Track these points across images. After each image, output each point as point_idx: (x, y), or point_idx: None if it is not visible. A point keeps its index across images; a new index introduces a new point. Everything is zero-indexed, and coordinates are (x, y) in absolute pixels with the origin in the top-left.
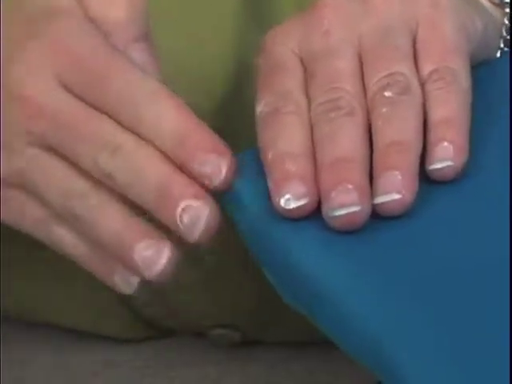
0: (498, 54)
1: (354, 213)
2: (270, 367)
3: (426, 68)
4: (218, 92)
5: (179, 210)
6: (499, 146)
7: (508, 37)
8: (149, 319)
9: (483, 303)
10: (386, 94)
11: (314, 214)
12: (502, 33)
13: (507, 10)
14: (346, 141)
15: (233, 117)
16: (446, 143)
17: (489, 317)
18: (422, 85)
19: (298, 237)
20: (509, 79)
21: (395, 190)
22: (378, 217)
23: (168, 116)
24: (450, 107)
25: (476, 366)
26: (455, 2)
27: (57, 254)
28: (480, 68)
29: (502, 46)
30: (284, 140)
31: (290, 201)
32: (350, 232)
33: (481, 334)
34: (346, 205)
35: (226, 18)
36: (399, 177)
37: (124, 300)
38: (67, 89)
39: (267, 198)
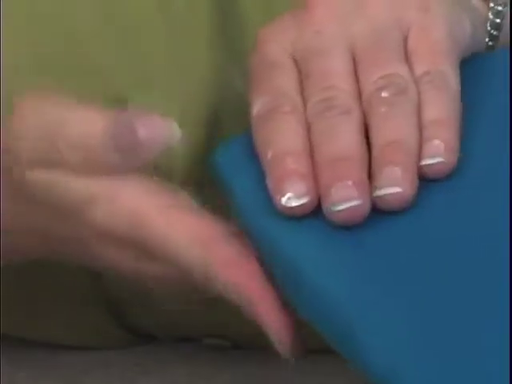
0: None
1: (355, 207)
2: (261, 366)
3: (417, 70)
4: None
5: None
6: (497, 140)
7: (493, 31)
8: (138, 330)
9: (464, 294)
10: (383, 94)
11: None
12: (486, 27)
13: (492, 5)
14: (342, 139)
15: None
16: (437, 141)
17: (467, 308)
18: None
19: (280, 221)
20: (508, 72)
21: (396, 184)
22: None
23: None
24: (441, 109)
25: (449, 352)
26: (445, 6)
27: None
28: (478, 60)
29: (487, 40)
30: (283, 139)
31: (291, 199)
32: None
33: (460, 326)
34: (346, 200)
35: (199, 54)
36: (399, 171)
37: (113, 314)
38: None
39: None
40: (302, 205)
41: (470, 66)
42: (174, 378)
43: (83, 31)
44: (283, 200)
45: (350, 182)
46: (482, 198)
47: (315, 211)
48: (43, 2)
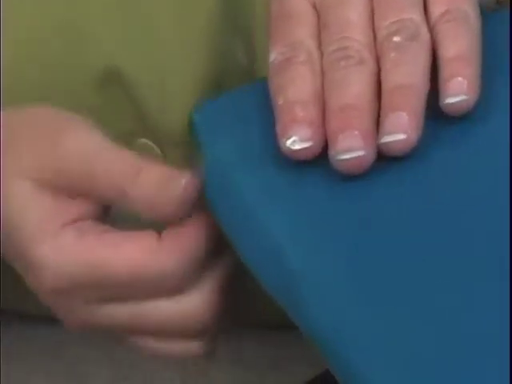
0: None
1: (359, 157)
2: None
3: (438, 10)
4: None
5: None
6: (504, 94)
7: None
8: None
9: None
10: (395, 39)
11: (272, 161)
12: None
13: None
14: (354, 88)
15: None
16: (460, 78)
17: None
18: (433, 26)
19: (253, 181)
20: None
21: (401, 131)
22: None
23: None
24: (462, 44)
25: (396, 311)
26: None
27: None
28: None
29: None
30: (294, 88)
31: (295, 142)
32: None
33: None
34: (350, 149)
35: (202, 25)
36: (405, 117)
37: None
38: None
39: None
40: (304, 148)
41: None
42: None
43: (83, 2)
44: (288, 142)
45: (356, 132)
46: (488, 159)
47: (293, 172)
48: None
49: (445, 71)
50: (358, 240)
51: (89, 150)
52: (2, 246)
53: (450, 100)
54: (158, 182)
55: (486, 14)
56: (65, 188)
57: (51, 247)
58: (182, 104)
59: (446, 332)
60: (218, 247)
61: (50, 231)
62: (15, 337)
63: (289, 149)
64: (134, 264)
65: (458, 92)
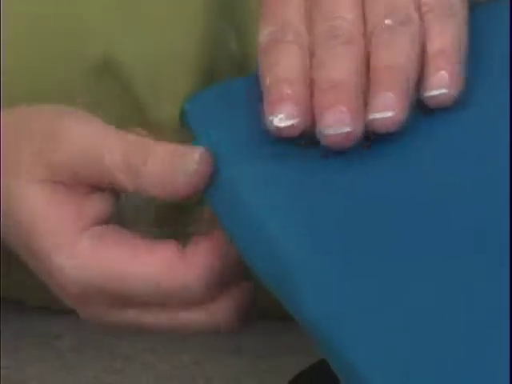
0: None
1: (346, 133)
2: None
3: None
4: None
5: None
6: (497, 83)
7: None
8: None
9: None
10: (387, 21)
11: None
12: None
13: None
14: (342, 66)
15: None
16: (442, 72)
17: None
18: (421, 16)
19: (246, 172)
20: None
21: (389, 108)
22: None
23: None
24: (446, 39)
25: (389, 303)
26: None
27: None
28: (478, 11)
29: None
30: (282, 67)
31: (281, 120)
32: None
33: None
34: (337, 124)
35: (196, 13)
36: (392, 96)
37: None
38: None
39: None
40: (290, 125)
41: (472, 14)
42: (147, 341)
43: None
44: (275, 120)
45: (343, 108)
46: (480, 145)
47: (285, 163)
48: None
49: (428, 65)
50: (353, 231)
51: (93, 136)
52: (24, 257)
53: (431, 93)
54: (171, 159)
55: (484, 3)
56: (76, 182)
57: (68, 256)
58: (174, 92)
59: (434, 318)
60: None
61: (66, 239)
62: (10, 328)
63: (275, 126)
64: (152, 278)
65: (439, 85)
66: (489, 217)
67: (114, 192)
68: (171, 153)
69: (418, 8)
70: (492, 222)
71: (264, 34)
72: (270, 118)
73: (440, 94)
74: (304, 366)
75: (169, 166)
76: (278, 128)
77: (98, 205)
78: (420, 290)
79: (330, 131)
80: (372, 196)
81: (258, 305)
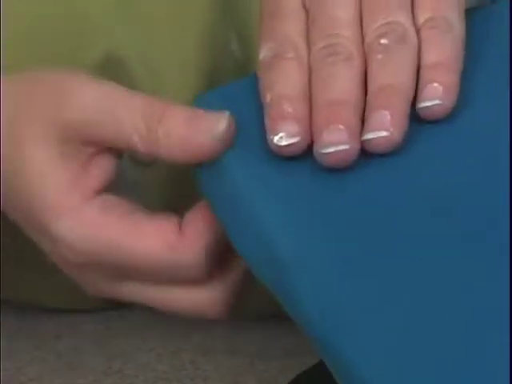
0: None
1: (343, 151)
2: (231, 328)
3: (422, 16)
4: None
5: None
6: (496, 92)
7: None
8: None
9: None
10: (383, 41)
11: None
12: None
13: None
14: (341, 84)
15: None
16: (435, 84)
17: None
18: (418, 31)
19: (246, 171)
20: (509, 24)
21: (383, 128)
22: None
23: None
24: (442, 52)
25: (389, 303)
26: None
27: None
28: (480, 12)
29: None
30: (282, 84)
31: (282, 139)
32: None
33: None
34: (335, 143)
35: (197, 14)
36: (388, 116)
37: None
38: None
39: None
40: (291, 144)
41: (473, 17)
42: (146, 342)
43: None
44: (275, 139)
45: (341, 126)
46: (478, 148)
47: (286, 163)
48: None
49: (422, 77)
50: (348, 229)
51: (105, 96)
52: (24, 221)
53: (424, 104)
54: (188, 119)
55: (483, 5)
56: (85, 142)
57: (72, 221)
58: (175, 92)
59: (433, 313)
60: None
61: (71, 204)
62: (9, 328)
63: (276, 145)
64: (152, 257)
65: (433, 97)
66: (489, 218)
67: (119, 154)
68: (187, 114)
69: (415, 23)
70: (492, 223)
71: (264, 51)
72: (271, 136)
73: (434, 105)
74: (302, 366)
75: (186, 127)
76: (278, 147)
77: (103, 168)
78: (418, 290)
79: (328, 150)
80: (371, 195)
81: (257, 305)
